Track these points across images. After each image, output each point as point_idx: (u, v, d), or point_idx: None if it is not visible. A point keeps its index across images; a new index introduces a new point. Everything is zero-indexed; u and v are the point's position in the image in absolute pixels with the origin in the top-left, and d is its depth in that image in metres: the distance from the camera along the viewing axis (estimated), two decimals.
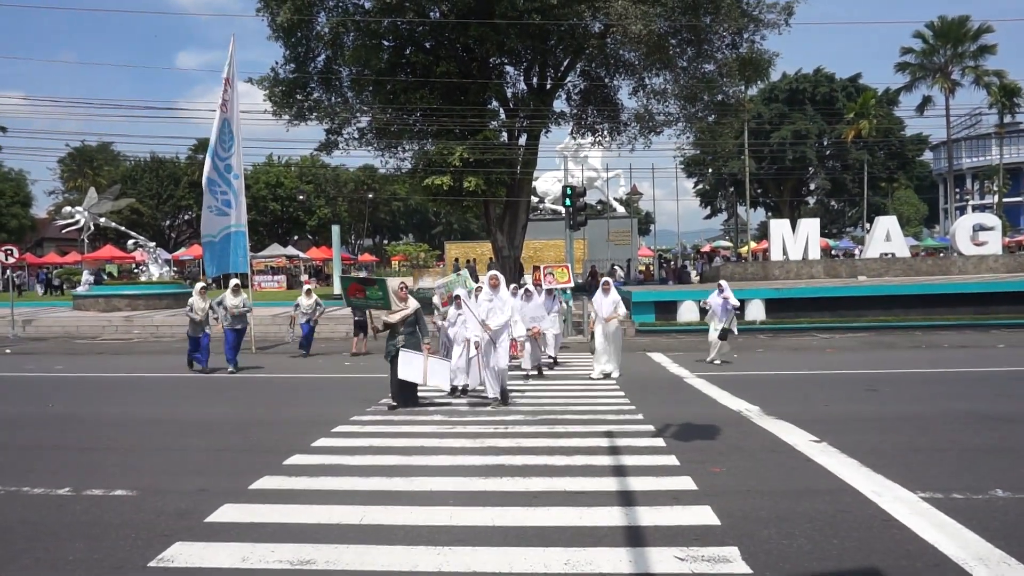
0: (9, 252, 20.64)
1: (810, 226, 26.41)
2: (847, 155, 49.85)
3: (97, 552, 4.20)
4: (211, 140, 14.53)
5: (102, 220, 35.23)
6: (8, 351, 16.62)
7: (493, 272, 9.53)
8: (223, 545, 4.27)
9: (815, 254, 25.89)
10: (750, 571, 3.80)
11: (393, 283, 9.04)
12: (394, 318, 8.75)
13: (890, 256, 25.80)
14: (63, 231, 40.86)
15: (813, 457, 6.09)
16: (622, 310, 11.44)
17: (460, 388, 9.81)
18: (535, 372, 11.58)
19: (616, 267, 33.47)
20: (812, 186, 56.26)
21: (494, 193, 24.62)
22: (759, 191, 55.29)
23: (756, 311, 18.52)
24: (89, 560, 4.08)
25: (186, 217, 61.21)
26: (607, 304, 11.34)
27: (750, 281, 24.30)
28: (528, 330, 11.14)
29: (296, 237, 63.21)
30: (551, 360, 12.71)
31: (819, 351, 14.56)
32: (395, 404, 8.72)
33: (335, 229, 24.77)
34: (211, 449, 6.84)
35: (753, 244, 44.63)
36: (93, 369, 13.46)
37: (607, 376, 10.95)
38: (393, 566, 3.94)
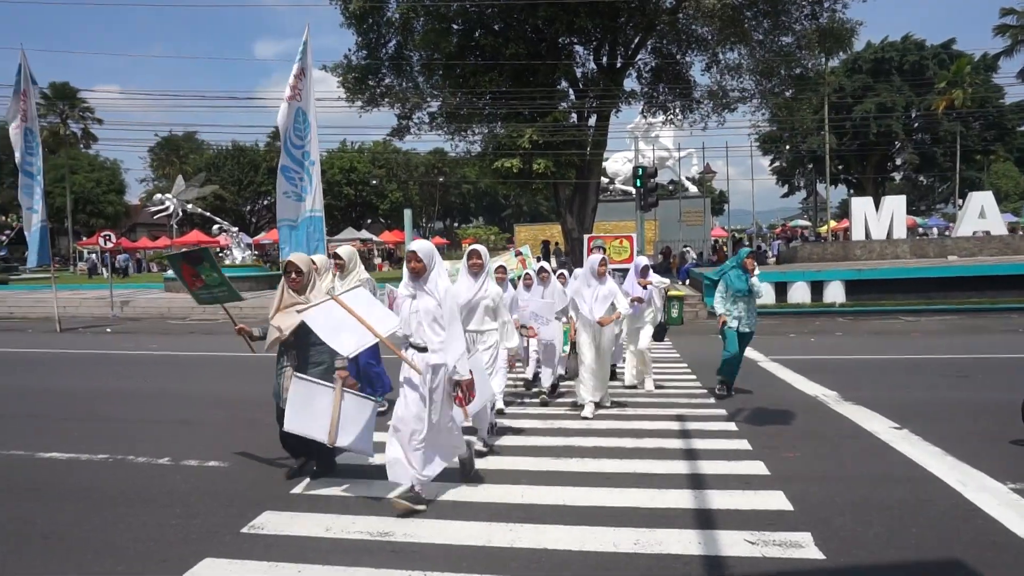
0: (108, 237, 22.03)
1: (895, 203, 25.21)
2: (938, 127, 47.08)
3: (195, 518, 4.53)
4: (282, 128, 14.92)
5: (189, 206, 37.11)
6: (109, 330, 17.79)
7: (413, 246, 4.67)
8: (308, 515, 4.52)
9: (900, 233, 24.71)
10: (823, 557, 3.76)
11: (299, 258, 5.19)
12: (282, 327, 4.98)
13: (984, 234, 24.36)
14: (154, 217, 43.34)
15: (893, 444, 5.91)
16: (623, 306, 7.36)
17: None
18: (548, 389, 8.08)
19: (687, 248, 32.88)
20: (898, 161, 53.48)
21: (564, 175, 24.54)
22: (840, 168, 52.97)
23: (835, 293, 17.87)
24: (188, 526, 4.41)
25: (265, 202, 63.60)
26: (599, 297, 7.22)
27: (829, 262, 23.45)
28: (522, 329, 7.52)
29: (369, 221, 64.80)
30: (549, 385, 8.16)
31: (903, 335, 13.95)
32: (296, 469, 5.35)
33: (407, 213, 25.09)
34: None
35: (833, 223, 42.89)
36: (184, 348, 14.27)
37: (598, 407, 7.36)
38: (467, 540, 4.10)
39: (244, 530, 4.31)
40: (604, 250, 9.96)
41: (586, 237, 9.97)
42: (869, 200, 26.43)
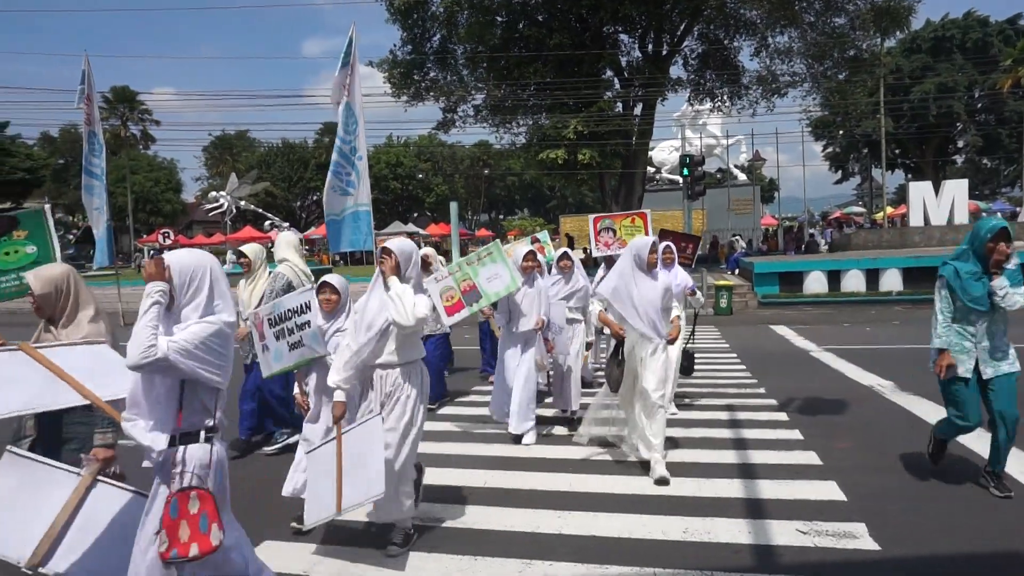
0: (166, 235, 22.88)
1: (956, 188, 24.30)
2: (1003, 107, 45.07)
3: (256, 503, 4.70)
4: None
5: (242, 203, 38.14)
6: None
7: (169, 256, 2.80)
8: None
9: (962, 218, 23.79)
10: (877, 547, 3.71)
11: (40, 274, 3.26)
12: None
13: None
14: (209, 214, 44.66)
15: None
16: (679, 307, 5.93)
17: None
18: (565, 413, 6.59)
19: (737, 237, 32.32)
20: (960, 143, 51.36)
21: (609, 165, 24.41)
22: (897, 152, 51.12)
23: (892, 281, 17.34)
24: (249, 510, 4.54)
25: (314, 198, 64.85)
26: (653, 301, 4.96)
27: (886, 249, 22.75)
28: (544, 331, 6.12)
29: (416, 214, 65.48)
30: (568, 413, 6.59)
31: None
32: None
33: (453, 206, 25.50)
34: None
35: (890, 209, 41.50)
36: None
37: (661, 478, 4.76)
38: (515, 526, 4.16)
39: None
40: (615, 232, 8.07)
41: (592, 217, 8.15)
42: (928, 184, 25.53)
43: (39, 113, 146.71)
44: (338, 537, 4.08)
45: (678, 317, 5.54)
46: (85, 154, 15.49)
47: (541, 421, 6.38)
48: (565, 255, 6.60)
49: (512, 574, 3.57)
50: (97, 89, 15.92)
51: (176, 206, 59.06)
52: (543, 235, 9.37)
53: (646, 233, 7.84)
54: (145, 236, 52.23)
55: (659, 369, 4.94)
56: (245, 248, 6.07)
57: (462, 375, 9.25)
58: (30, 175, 50.07)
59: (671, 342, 5.17)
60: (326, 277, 4.34)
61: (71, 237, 48.42)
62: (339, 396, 3.79)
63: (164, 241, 23.16)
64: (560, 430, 6.37)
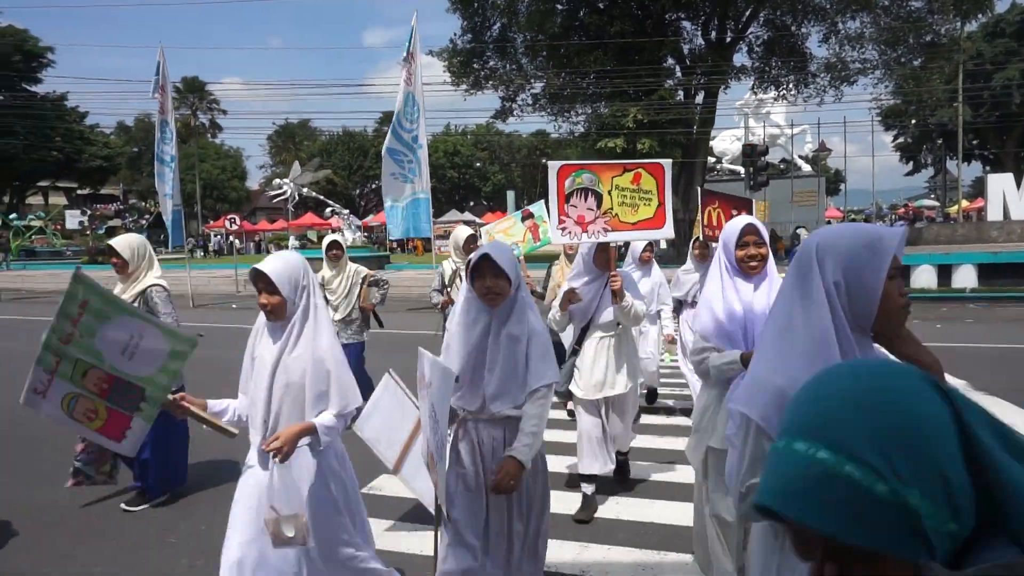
0: (232, 220, 23.69)
1: None
2: None
3: None
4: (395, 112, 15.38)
5: (304, 190, 39.09)
6: (234, 306, 19.13)
7: None
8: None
9: None
10: None
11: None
12: None
13: None
14: (272, 201, 45.94)
15: None
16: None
17: None
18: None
19: (802, 229, 31.42)
20: None
21: (669, 155, 24.00)
22: (975, 142, 48.72)
23: (966, 277, 16.60)
24: None
25: (373, 186, 65.99)
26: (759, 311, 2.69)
27: (960, 244, 21.77)
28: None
29: (472, 203, 65.92)
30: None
31: None
32: None
33: (510, 195, 25.70)
34: None
35: (965, 203, 39.64)
36: None
37: None
38: (573, 510, 4.18)
39: (363, 491, 4.58)
40: (600, 199, 4.00)
41: (554, 167, 4.00)
42: (1009, 176, 24.26)
43: (115, 103, 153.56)
44: (371, 511, 4.18)
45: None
46: (157, 142, 16.14)
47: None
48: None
49: (569, 557, 3.60)
50: (170, 79, 16.55)
51: (241, 193, 61.04)
52: (538, 207, 6.00)
53: (660, 196, 4.16)
54: (212, 222, 54.23)
55: None
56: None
57: None
58: (107, 163, 52.58)
59: None
60: None
61: (144, 222, 50.60)
62: None
63: (230, 227, 24.01)
64: None
